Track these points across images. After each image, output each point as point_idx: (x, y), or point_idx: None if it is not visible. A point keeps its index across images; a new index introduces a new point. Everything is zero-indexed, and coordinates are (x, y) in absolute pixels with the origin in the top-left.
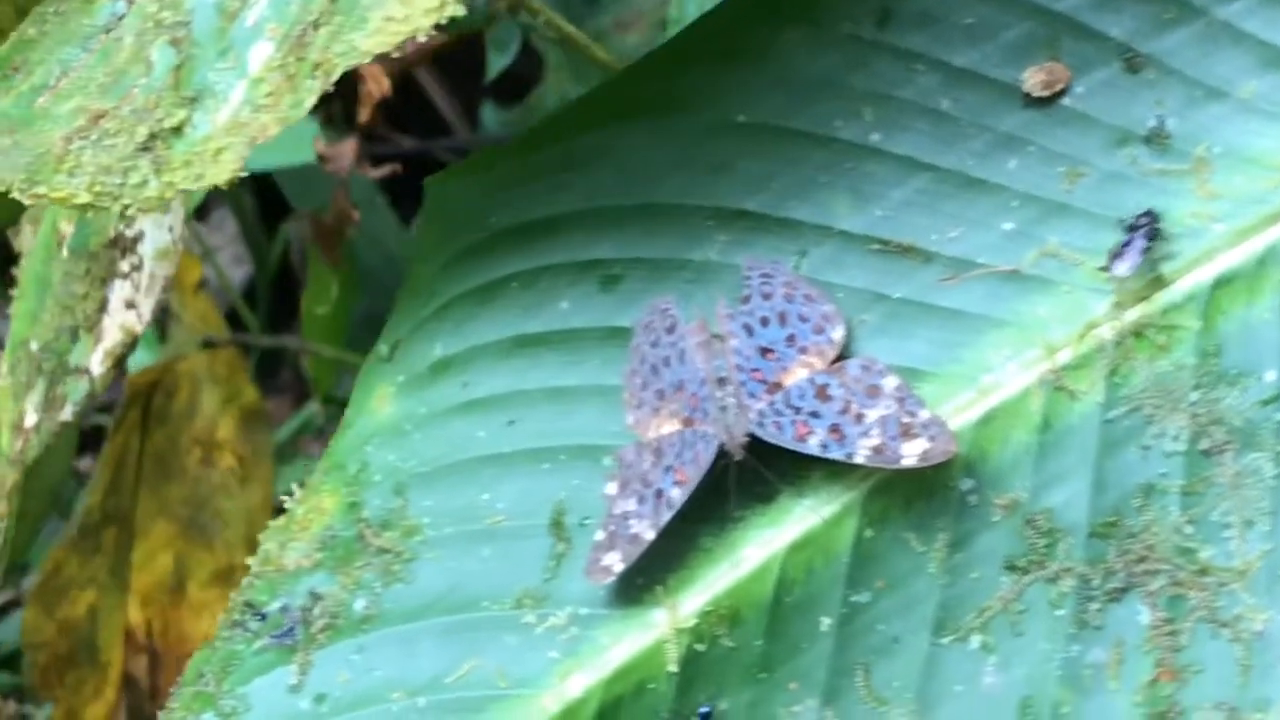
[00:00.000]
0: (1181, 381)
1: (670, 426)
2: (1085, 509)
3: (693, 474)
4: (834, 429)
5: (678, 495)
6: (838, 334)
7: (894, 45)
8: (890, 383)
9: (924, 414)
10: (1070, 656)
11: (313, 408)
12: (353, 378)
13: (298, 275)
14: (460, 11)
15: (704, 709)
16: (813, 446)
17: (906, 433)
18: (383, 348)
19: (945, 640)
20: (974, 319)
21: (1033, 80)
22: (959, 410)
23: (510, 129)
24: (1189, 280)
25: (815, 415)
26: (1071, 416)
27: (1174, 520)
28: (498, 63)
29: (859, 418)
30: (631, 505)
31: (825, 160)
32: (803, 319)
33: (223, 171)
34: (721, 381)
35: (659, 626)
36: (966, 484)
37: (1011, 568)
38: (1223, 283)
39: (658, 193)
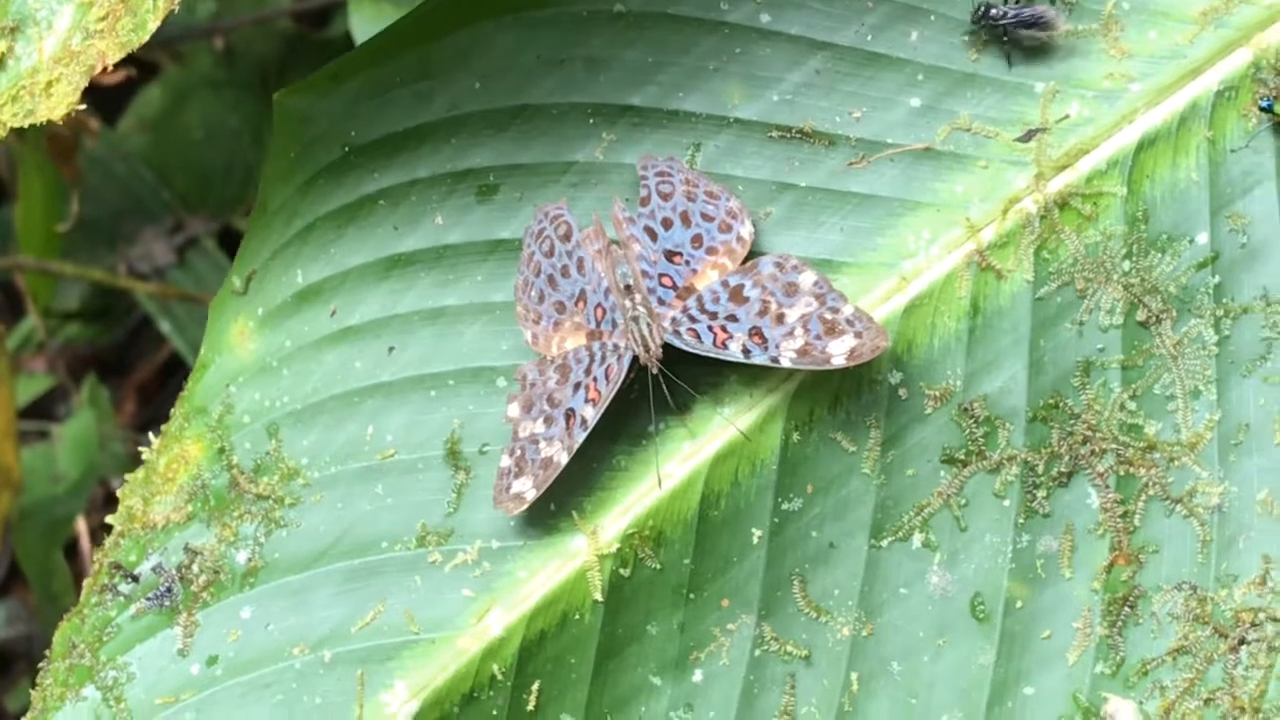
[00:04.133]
0: (1111, 251)
1: (575, 340)
2: (1023, 393)
3: (606, 390)
4: (754, 332)
5: (591, 414)
6: (746, 230)
7: None
8: (808, 278)
9: (847, 309)
10: (1020, 548)
11: (30, 322)
12: (72, 289)
13: (7, 188)
14: None
15: None
16: (734, 352)
17: (832, 330)
18: (235, 280)
19: (885, 542)
20: (888, 202)
21: None
22: (881, 300)
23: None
24: (1111, 144)
25: (733, 319)
26: (1000, 297)
27: (1116, 396)
28: None
29: (779, 318)
30: (539, 427)
31: (714, 46)
32: (707, 218)
33: (57, 106)
34: (628, 290)
35: (580, 554)
36: (895, 377)
37: (950, 460)
38: (1146, 145)
39: (531, 94)
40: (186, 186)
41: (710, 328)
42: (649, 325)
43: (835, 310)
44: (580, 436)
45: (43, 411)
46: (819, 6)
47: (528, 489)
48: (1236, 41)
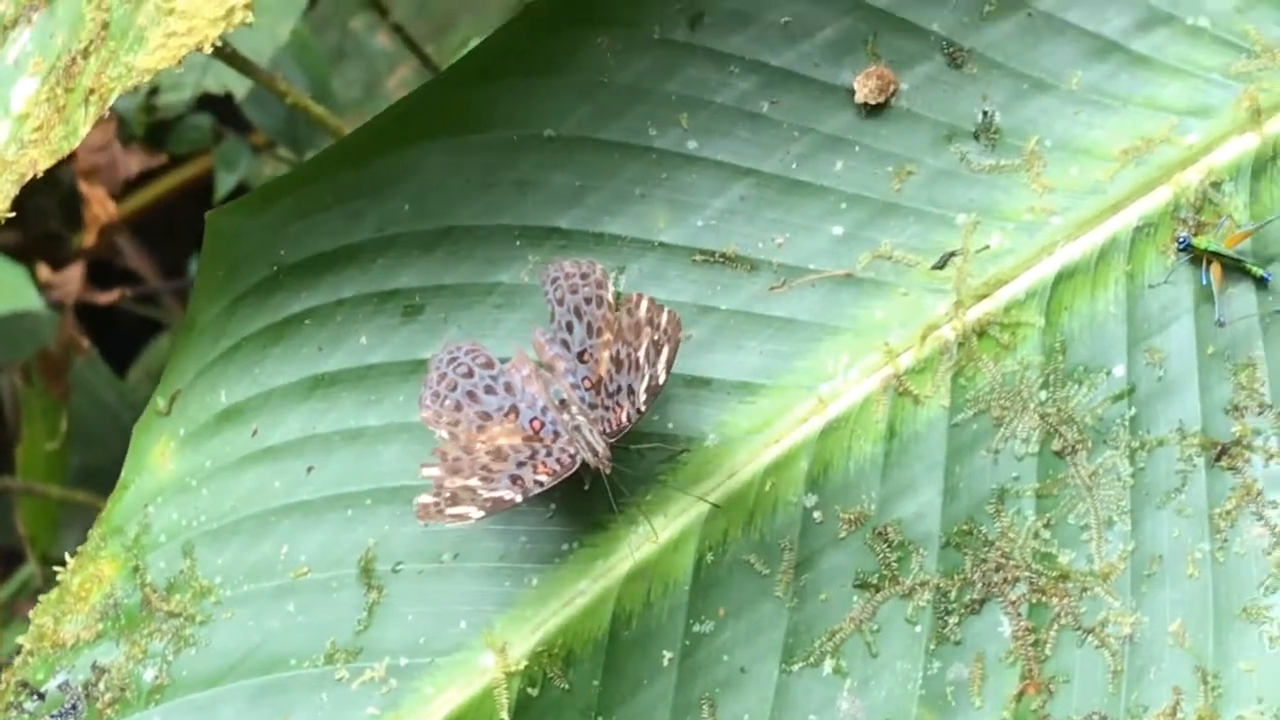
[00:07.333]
0: (1028, 381)
1: (508, 439)
2: (937, 519)
3: (558, 472)
4: (629, 391)
5: (545, 479)
6: (606, 283)
7: (708, 47)
8: (642, 306)
9: (663, 316)
10: (930, 675)
11: (29, 569)
12: (73, 533)
13: (10, 430)
14: (250, 19)
15: None
16: (626, 420)
17: (658, 349)
18: (159, 401)
19: (796, 667)
20: (808, 327)
21: (864, 88)
22: (799, 422)
23: None
24: (1030, 276)
25: (620, 389)
26: (917, 423)
27: (1030, 525)
28: (227, 181)
29: (635, 365)
30: (475, 481)
31: (640, 171)
32: (589, 301)
33: None
34: (563, 404)
35: (487, 671)
36: (810, 500)
37: (863, 585)
38: (1065, 277)
39: (459, 215)
40: None
41: (610, 409)
42: (590, 432)
43: (663, 330)
44: (536, 491)
45: None
46: (745, 134)
47: (473, 511)
48: (1156, 180)
